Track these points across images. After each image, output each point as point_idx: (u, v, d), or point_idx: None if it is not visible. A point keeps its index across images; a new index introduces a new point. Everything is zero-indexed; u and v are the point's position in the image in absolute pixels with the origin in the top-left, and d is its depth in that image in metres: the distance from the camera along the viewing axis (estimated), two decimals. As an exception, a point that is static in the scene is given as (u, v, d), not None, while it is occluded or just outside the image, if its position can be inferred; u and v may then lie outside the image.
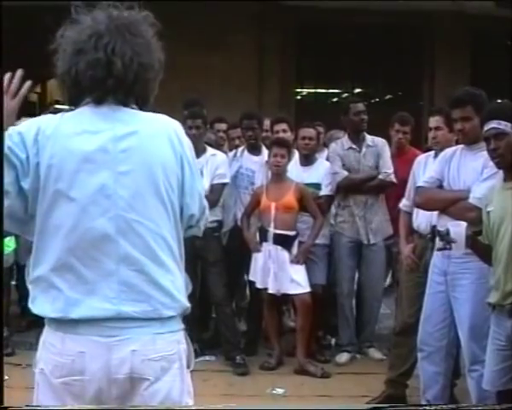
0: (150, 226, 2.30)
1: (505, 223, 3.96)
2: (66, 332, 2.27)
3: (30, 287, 2.33)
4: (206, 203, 2.58)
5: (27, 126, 2.28)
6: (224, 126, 7.46)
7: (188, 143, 2.43)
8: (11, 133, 2.22)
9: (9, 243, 6.45)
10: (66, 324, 2.26)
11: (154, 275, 2.30)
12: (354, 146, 6.68)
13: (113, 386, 2.27)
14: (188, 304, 2.41)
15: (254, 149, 6.87)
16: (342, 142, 6.77)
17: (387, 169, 6.55)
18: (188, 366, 2.44)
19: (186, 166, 2.39)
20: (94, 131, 2.29)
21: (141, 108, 2.38)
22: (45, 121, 2.30)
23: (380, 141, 6.68)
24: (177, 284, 2.35)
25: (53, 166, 2.24)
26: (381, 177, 6.56)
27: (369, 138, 6.69)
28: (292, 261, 6.20)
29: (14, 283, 6.92)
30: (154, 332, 2.30)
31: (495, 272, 4.03)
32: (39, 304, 2.30)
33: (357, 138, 6.68)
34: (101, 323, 2.25)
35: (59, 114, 2.33)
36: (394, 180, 6.54)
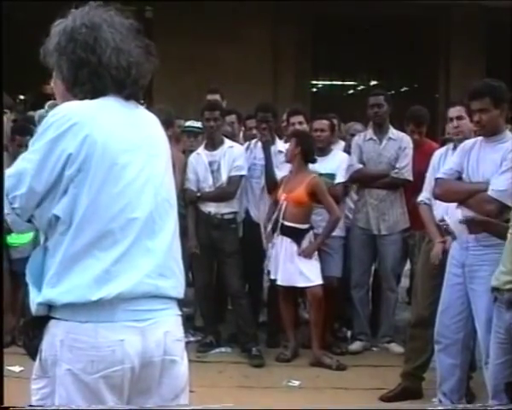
0: (174, 206, 2.44)
1: None
2: (100, 321, 2.22)
3: (56, 276, 2.24)
4: None
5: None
6: (233, 118, 7.47)
7: None
8: None
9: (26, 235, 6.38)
10: (101, 310, 2.22)
11: (176, 253, 2.42)
12: (375, 138, 6.68)
13: (146, 371, 2.29)
14: None
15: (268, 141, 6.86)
16: (366, 133, 6.79)
17: (402, 165, 6.52)
18: None
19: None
20: (127, 120, 2.38)
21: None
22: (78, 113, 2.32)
23: (404, 136, 6.65)
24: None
25: (102, 150, 2.26)
26: (393, 175, 6.55)
27: (392, 131, 6.69)
28: (299, 254, 6.20)
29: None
30: (175, 314, 2.41)
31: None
32: (75, 289, 2.23)
33: (378, 130, 6.69)
34: (134, 306, 2.26)
35: (82, 102, 2.35)
36: (409, 177, 6.51)
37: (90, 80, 2.35)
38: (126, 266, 2.26)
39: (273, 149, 6.73)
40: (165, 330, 2.33)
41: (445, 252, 5.05)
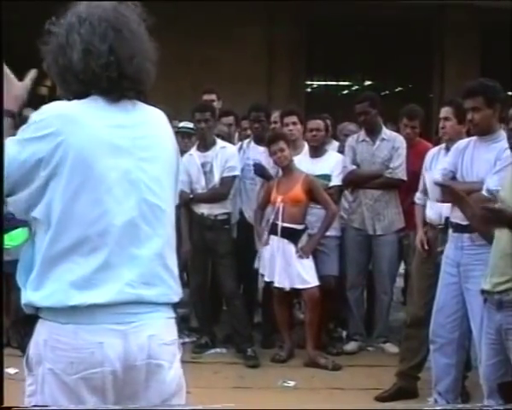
0: (167, 210, 2.35)
1: None
2: (80, 323, 2.20)
3: (37, 279, 2.23)
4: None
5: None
6: (231, 119, 7.45)
7: None
8: None
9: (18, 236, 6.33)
10: (80, 314, 2.19)
11: (168, 260, 2.34)
12: (368, 139, 6.65)
13: (130, 374, 2.25)
14: None
15: (261, 141, 6.82)
16: (359, 135, 6.76)
17: (395, 165, 6.51)
18: None
19: (178, 154, 2.53)
20: (114, 122, 2.29)
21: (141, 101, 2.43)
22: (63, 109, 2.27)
23: (397, 136, 6.64)
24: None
25: (77, 155, 2.20)
26: (387, 174, 6.54)
27: (385, 132, 6.67)
28: (297, 252, 6.17)
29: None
30: (165, 317, 2.34)
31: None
32: (54, 293, 2.21)
33: (371, 132, 6.66)
34: (117, 310, 2.22)
35: (69, 103, 2.29)
36: (403, 177, 6.50)
37: (62, 84, 2.31)
38: (108, 275, 2.21)
39: (264, 150, 6.68)
40: (150, 333, 2.26)
41: (429, 241, 5.20)
